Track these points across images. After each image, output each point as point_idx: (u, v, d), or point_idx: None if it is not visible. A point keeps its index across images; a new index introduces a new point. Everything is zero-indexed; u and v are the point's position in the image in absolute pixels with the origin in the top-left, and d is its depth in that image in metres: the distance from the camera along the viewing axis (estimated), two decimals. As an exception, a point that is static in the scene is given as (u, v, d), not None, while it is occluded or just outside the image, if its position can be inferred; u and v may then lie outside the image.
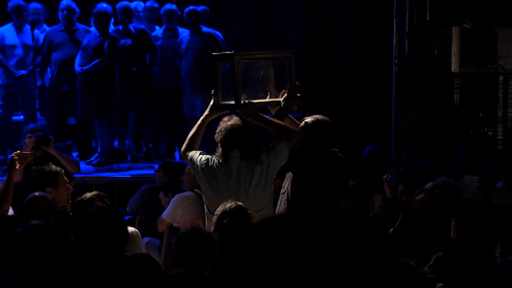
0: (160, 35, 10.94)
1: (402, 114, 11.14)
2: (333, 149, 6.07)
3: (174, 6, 10.88)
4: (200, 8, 10.86)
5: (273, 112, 5.97)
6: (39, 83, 10.54)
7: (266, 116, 5.86)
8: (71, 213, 5.91)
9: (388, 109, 11.34)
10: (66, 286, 4.02)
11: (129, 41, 10.50)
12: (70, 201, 6.26)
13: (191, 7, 10.72)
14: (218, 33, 10.78)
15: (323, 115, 6.11)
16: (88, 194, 5.65)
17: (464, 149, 9.16)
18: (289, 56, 6.06)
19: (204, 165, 5.73)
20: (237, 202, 5.17)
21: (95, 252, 4.12)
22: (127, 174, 9.94)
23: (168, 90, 10.86)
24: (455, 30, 10.60)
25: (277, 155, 5.72)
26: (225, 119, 5.79)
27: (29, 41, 10.43)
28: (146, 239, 7.36)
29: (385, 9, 11.37)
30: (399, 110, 11.21)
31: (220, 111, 5.97)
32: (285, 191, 6.03)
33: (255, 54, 6.28)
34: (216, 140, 5.75)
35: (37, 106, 10.44)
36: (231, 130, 5.69)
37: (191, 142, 5.93)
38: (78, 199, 5.74)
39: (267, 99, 6.03)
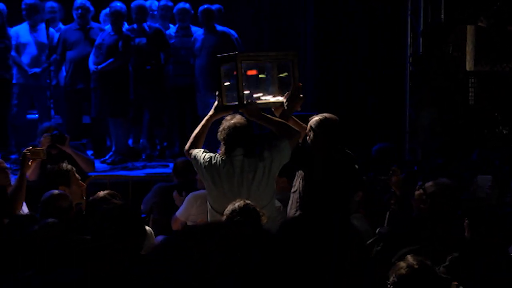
0: (173, 34, 10.96)
1: (417, 112, 11.11)
2: (341, 147, 6.07)
3: (187, 5, 10.89)
4: (214, 6, 10.88)
5: (276, 113, 5.98)
6: (54, 82, 10.57)
7: (268, 116, 5.89)
8: (84, 212, 5.94)
9: (402, 108, 11.31)
10: (69, 286, 4.02)
11: (143, 40, 10.52)
12: (85, 198, 6.30)
13: (205, 6, 10.73)
14: (232, 31, 10.78)
15: (333, 113, 6.11)
16: (101, 193, 5.68)
17: (478, 148, 9.13)
18: (293, 57, 6.07)
19: (207, 163, 5.77)
20: (245, 200, 5.18)
21: (110, 250, 4.12)
22: (141, 173, 9.96)
23: (182, 89, 10.87)
24: (470, 29, 10.56)
25: (280, 152, 5.75)
26: (228, 117, 5.84)
27: (43, 39, 10.45)
28: (160, 238, 7.37)
29: (400, 8, 11.35)
30: (414, 108, 11.17)
31: (224, 111, 6.01)
32: (296, 189, 6.03)
33: (259, 55, 6.30)
34: (219, 139, 5.79)
35: (52, 104, 10.46)
36: (234, 128, 5.73)
37: (195, 140, 5.98)
38: (91, 198, 5.77)
39: (270, 100, 6.06)
